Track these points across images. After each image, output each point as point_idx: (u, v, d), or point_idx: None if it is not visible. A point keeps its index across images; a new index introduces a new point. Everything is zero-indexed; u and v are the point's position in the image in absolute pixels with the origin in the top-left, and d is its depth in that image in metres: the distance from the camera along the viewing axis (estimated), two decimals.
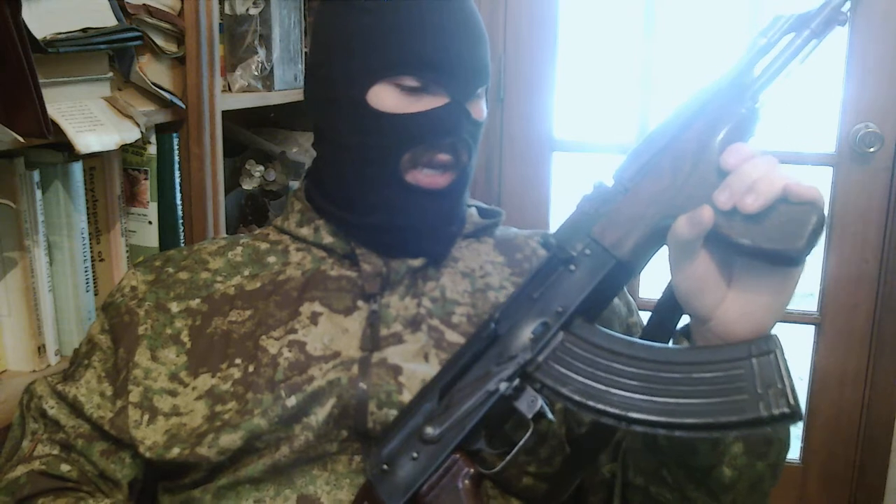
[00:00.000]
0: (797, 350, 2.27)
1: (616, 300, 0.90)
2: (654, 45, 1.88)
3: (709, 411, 0.62)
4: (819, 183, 2.04)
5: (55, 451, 0.84)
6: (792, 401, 0.61)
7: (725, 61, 0.69)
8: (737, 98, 0.66)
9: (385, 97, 0.81)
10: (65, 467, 0.83)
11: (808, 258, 0.63)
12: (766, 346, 0.63)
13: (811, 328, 1.93)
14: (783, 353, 0.63)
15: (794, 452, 1.99)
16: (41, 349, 1.08)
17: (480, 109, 0.86)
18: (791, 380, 0.62)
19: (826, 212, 0.62)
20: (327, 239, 0.89)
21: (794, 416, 0.61)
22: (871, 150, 1.78)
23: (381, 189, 0.84)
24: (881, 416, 1.88)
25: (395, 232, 0.85)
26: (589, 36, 3.19)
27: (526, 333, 0.69)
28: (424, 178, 0.83)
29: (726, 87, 0.67)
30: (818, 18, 0.65)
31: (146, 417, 0.82)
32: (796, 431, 2.05)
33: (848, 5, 0.66)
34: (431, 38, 0.80)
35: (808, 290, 3.43)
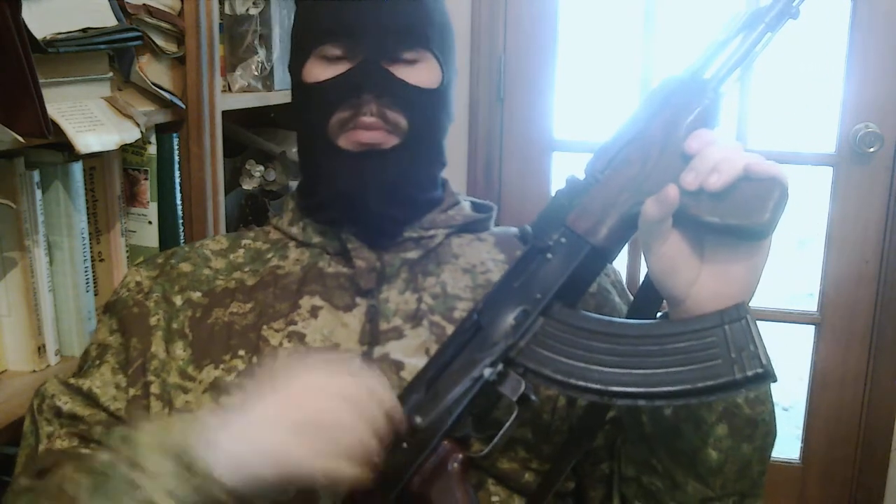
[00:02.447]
0: (797, 350, 2.26)
1: (617, 299, 0.90)
2: (654, 45, 1.88)
3: (686, 378, 0.65)
4: (819, 183, 2.04)
5: (74, 443, 0.81)
6: (764, 361, 0.63)
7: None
8: (699, 89, 0.70)
9: (313, 70, 0.86)
10: (85, 451, 0.79)
11: (786, 240, 0.64)
12: (736, 314, 0.66)
13: (811, 328, 1.93)
14: (753, 319, 0.65)
15: (794, 452, 1.99)
16: (41, 349, 1.08)
17: (416, 73, 0.85)
18: (763, 342, 0.64)
19: (789, 188, 0.65)
20: (316, 238, 0.90)
21: (767, 375, 0.63)
22: (871, 150, 1.78)
23: (319, 159, 0.87)
24: (881, 416, 1.88)
25: (342, 201, 0.86)
26: (589, 36, 3.19)
27: (508, 321, 0.71)
28: (358, 136, 0.84)
29: (689, 79, 0.71)
30: (771, 13, 0.70)
31: (166, 411, 0.82)
32: (796, 432, 2.05)
33: (798, 0, 0.70)
34: (344, 7, 0.84)
35: (808, 290, 3.43)
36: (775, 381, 0.65)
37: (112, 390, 0.84)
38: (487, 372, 0.70)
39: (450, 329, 0.83)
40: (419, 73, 0.86)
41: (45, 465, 0.77)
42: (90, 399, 0.84)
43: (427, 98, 0.86)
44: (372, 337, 0.83)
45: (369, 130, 0.84)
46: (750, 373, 0.63)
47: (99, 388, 0.84)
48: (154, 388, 0.83)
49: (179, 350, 0.85)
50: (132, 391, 0.83)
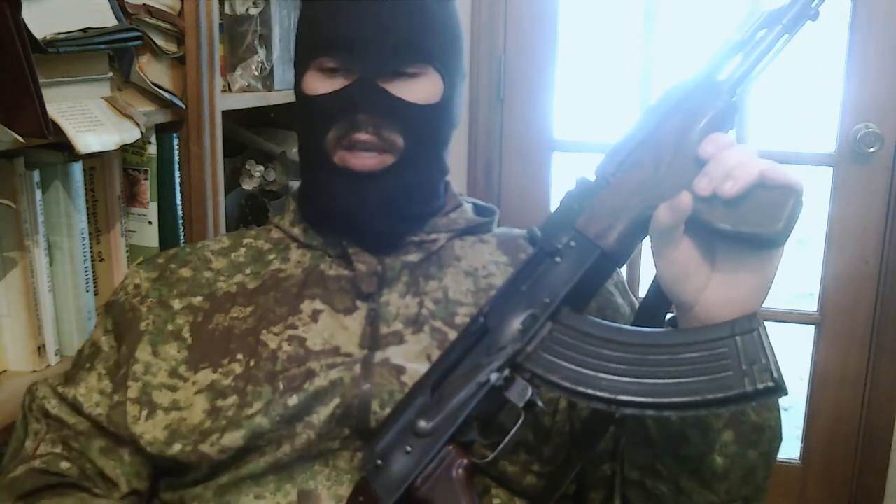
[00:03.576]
0: (797, 350, 2.27)
1: (619, 300, 0.90)
2: (654, 44, 1.88)
3: (696, 390, 0.64)
4: (819, 183, 2.03)
5: (57, 450, 0.84)
6: (776, 374, 0.62)
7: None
8: (714, 92, 0.68)
9: (311, 83, 0.86)
10: (64, 465, 0.83)
11: (796, 244, 0.64)
12: (748, 325, 0.64)
13: (811, 328, 1.93)
14: (765, 331, 0.64)
15: (794, 452, 1.99)
16: (41, 349, 1.08)
17: (415, 89, 0.84)
18: (774, 355, 0.63)
19: (804, 195, 0.64)
20: (317, 240, 0.90)
21: (778, 389, 0.62)
22: (871, 150, 1.78)
23: (317, 173, 0.87)
24: (881, 416, 1.88)
25: (339, 215, 0.85)
26: (589, 36, 3.19)
27: (515, 325, 0.70)
28: (353, 160, 0.83)
29: (703, 81, 0.69)
30: (789, 14, 0.68)
31: (145, 412, 0.83)
32: (796, 432, 2.05)
33: (818, 1, 0.68)
34: (343, 18, 0.83)
35: (808, 290, 3.43)
36: (786, 394, 0.63)
37: (96, 396, 0.86)
38: (494, 377, 0.69)
39: (451, 334, 0.83)
40: (418, 89, 0.84)
41: (26, 489, 0.81)
42: (75, 407, 0.86)
43: (426, 114, 0.85)
44: (372, 341, 0.83)
45: (363, 153, 0.83)
46: (761, 386, 0.62)
47: (83, 395, 0.86)
48: (131, 393, 0.84)
49: (173, 351, 0.85)
50: (116, 397, 0.85)
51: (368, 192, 0.83)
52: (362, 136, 0.82)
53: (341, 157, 0.83)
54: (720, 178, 0.64)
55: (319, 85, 0.85)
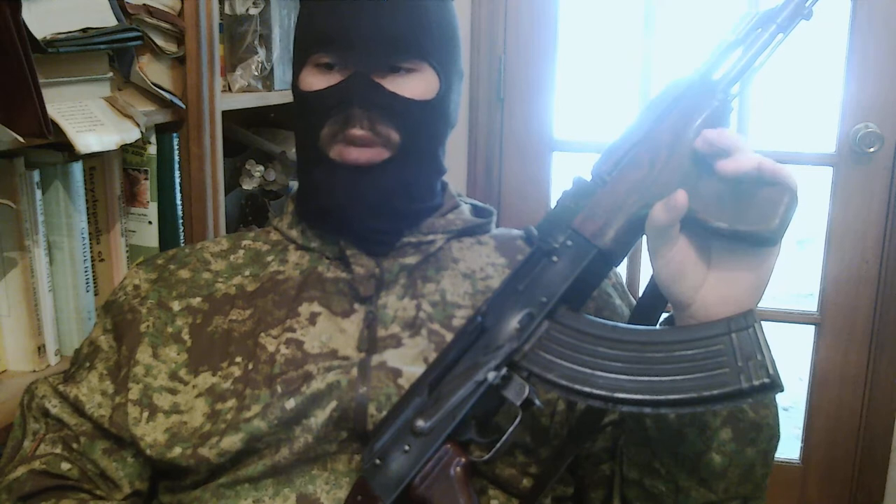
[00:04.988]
0: (797, 350, 2.27)
1: (618, 301, 0.90)
2: (654, 44, 1.88)
3: (692, 387, 0.64)
4: (819, 183, 2.03)
5: (57, 450, 0.84)
6: (771, 371, 0.63)
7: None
8: (709, 91, 0.69)
9: (308, 79, 0.86)
10: (65, 466, 0.83)
11: (786, 240, 0.65)
12: (744, 322, 0.65)
13: (811, 328, 1.93)
14: (761, 328, 0.65)
15: (794, 452, 1.99)
16: (41, 349, 1.08)
17: (410, 85, 0.83)
18: (770, 352, 0.63)
19: (799, 193, 0.65)
20: (314, 242, 0.90)
21: (774, 385, 0.63)
22: (871, 150, 1.78)
23: (313, 169, 0.86)
24: (881, 416, 1.88)
25: (336, 212, 0.85)
26: (589, 36, 3.19)
27: (512, 324, 0.71)
28: (348, 154, 0.83)
29: (698, 81, 0.69)
30: (783, 13, 0.68)
31: (145, 415, 0.83)
32: (796, 431, 2.05)
33: (811, 0, 0.68)
34: (339, 14, 0.83)
35: (808, 290, 3.44)
36: (782, 390, 0.63)
37: (98, 397, 0.85)
38: (491, 376, 0.70)
39: (449, 337, 0.83)
40: (413, 85, 0.84)
41: (26, 490, 0.81)
42: (76, 408, 0.86)
43: (421, 110, 0.84)
44: (370, 343, 0.83)
45: (359, 147, 0.83)
46: (756, 382, 0.62)
47: (85, 395, 0.86)
48: (132, 395, 0.84)
49: (173, 353, 0.85)
50: (118, 398, 0.85)
51: (364, 187, 0.83)
52: (357, 132, 0.82)
53: (337, 152, 0.83)
54: (721, 150, 0.64)
55: (315, 81, 0.84)
